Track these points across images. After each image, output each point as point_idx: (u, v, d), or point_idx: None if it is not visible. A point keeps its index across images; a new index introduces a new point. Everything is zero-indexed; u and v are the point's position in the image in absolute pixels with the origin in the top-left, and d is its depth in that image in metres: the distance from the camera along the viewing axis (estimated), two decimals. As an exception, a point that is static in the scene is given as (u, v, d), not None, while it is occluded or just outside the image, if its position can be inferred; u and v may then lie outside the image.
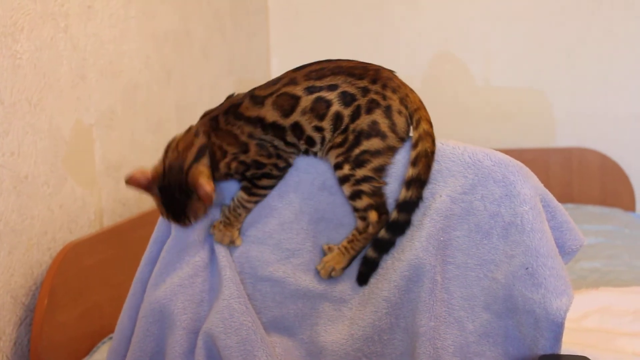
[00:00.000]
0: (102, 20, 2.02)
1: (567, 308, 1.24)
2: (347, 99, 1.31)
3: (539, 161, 3.42)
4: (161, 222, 1.48)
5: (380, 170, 1.31)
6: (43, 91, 1.74)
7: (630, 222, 3.07)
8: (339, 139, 1.32)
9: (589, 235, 2.55)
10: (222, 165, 1.36)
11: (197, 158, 1.34)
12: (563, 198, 3.39)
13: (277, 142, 1.35)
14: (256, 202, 1.41)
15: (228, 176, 1.39)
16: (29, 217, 1.69)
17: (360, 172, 1.30)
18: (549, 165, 3.44)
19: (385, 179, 1.33)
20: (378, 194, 1.32)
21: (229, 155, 1.35)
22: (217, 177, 1.36)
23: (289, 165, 1.39)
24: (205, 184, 1.29)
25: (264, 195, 1.41)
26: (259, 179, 1.38)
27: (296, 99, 1.32)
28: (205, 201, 1.31)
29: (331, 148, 1.33)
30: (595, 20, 3.41)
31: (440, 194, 1.32)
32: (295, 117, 1.32)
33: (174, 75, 2.52)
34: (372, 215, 1.31)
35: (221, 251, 1.42)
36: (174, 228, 1.44)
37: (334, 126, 1.32)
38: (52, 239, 1.79)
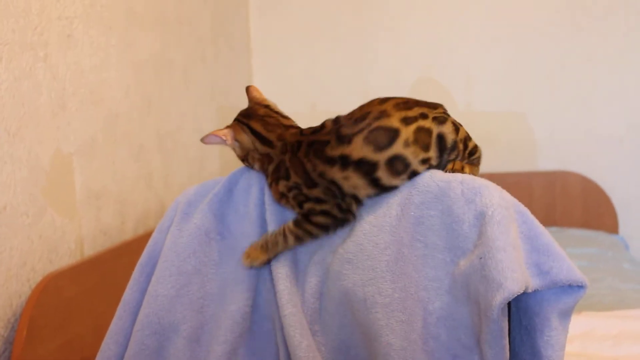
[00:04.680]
0: (82, 49, 2.01)
1: (499, 304, 1.18)
2: (440, 119, 1.36)
3: (522, 185, 3.43)
4: (148, 246, 1.51)
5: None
6: (22, 121, 1.73)
7: (614, 245, 3.08)
8: (452, 156, 1.37)
9: (573, 259, 2.57)
10: (281, 184, 1.39)
11: (255, 133, 1.43)
12: (546, 221, 3.39)
13: (354, 181, 1.33)
14: (297, 240, 1.39)
15: (283, 197, 1.40)
16: (7, 247, 1.67)
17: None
18: (532, 188, 3.45)
19: None
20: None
21: (291, 180, 1.37)
22: (270, 187, 1.43)
23: (350, 212, 1.37)
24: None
25: (310, 236, 1.39)
26: (315, 215, 1.37)
27: (394, 131, 1.31)
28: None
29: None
30: (575, 45, 3.44)
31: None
32: (395, 150, 1.31)
33: (155, 103, 2.51)
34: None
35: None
36: (165, 241, 1.47)
37: (439, 150, 1.35)
38: (32, 269, 1.77)
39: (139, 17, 2.38)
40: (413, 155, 1.31)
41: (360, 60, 3.63)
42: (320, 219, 1.36)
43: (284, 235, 1.39)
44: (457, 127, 1.37)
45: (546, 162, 3.51)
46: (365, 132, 1.31)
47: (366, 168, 1.31)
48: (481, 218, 1.26)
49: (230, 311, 1.42)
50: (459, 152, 1.36)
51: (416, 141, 1.31)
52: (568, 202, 3.44)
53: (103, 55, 2.13)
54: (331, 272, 1.39)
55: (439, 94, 3.51)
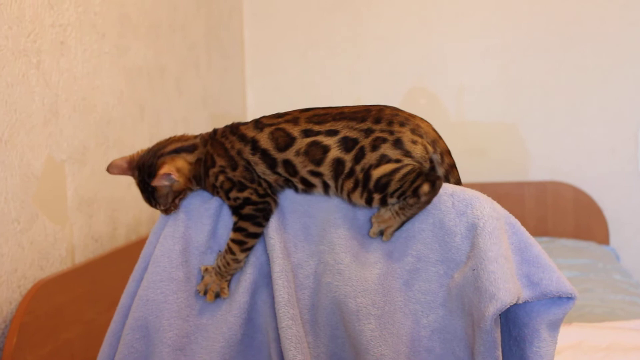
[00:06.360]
0: (76, 56, 2.01)
1: (493, 315, 1.20)
2: (348, 144, 1.33)
3: (514, 195, 3.44)
4: (144, 250, 1.51)
5: (408, 174, 1.30)
6: (14, 127, 1.72)
7: (604, 256, 3.09)
8: (350, 184, 1.33)
9: (564, 269, 2.58)
10: (211, 173, 1.42)
11: (178, 151, 1.43)
12: (538, 232, 3.41)
13: (262, 168, 1.38)
14: (240, 246, 1.41)
15: (215, 189, 1.43)
16: (-2, 254, 1.67)
17: (388, 191, 1.31)
18: (524, 199, 3.46)
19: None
20: (415, 174, 1.30)
21: (216, 165, 1.40)
22: (206, 186, 1.44)
23: (268, 195, 1.40)
24: (165, 169, 1.37)
25: (247, 234, 1.40)
26: (242, 207, 1.39)
27: (291, 139, 1.36)
28: (154, 181, 1.38)
29: (349, 195, 1.34)
30: (567, 56, 3.45)
31: None
32: (288, 155, 1.36)
33: (148, 110, 2.51)
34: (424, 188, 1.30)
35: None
36: (157, 246, 1.47)
37: (334, 172, 1.34)
38: (23, 276, 1.76)
39: (132, 24, 2.38)
40: (301, 165, 1.36)
41: (353, 70, 3.64)
42: (246, 210, 1.40)
43: (230, 250, 1.41)
44: (378, 162, 1.31)
45: (538, 172, 3.51)
46: (272, 128, 1.37)
47: (269, 161, 1.38)
48: (473, 230, 1.27)
49: (217, 321, 1.43)
50: (357, 182, 1.32)
51: (307, 153, 1.35)
52: (559, 213, 3.45)
53: (96, 62, 2.13)
54: (322, 284, 1.39)
55: (431, 103, 3.51)
